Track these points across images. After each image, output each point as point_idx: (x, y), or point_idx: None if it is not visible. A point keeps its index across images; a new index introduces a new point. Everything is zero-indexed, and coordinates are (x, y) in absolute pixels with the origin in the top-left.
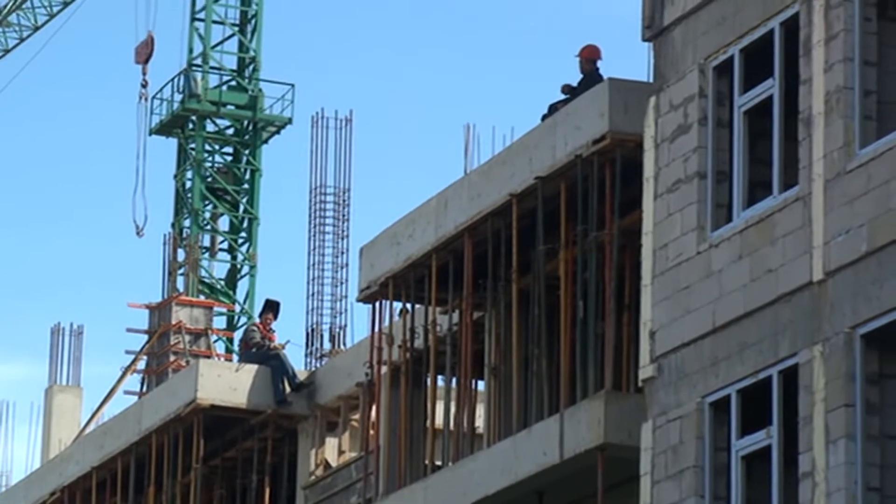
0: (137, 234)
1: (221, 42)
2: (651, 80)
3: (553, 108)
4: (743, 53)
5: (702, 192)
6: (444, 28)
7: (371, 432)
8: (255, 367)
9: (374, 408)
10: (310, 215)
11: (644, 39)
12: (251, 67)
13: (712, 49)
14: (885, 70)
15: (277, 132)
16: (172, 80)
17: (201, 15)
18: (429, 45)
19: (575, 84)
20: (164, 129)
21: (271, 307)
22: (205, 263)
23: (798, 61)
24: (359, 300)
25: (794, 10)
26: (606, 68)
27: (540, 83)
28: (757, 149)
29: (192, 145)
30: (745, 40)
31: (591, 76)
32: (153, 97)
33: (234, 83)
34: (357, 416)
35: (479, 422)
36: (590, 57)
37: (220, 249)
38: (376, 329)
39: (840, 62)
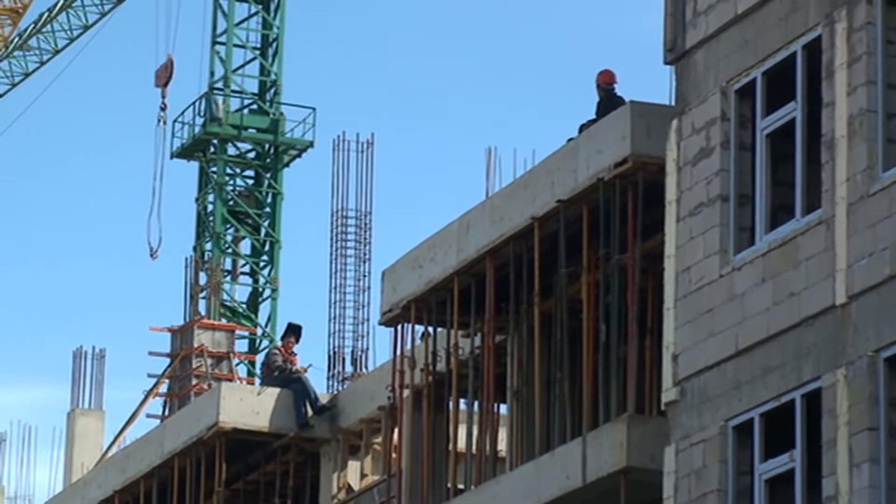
0: (151, 255)
1: (243, 66)
2: (673, 104)
3: (583, 129)
4: (765, 76)
5: (724, 215)
6: (466, 51)
7: (393, 456)
8: (277, 390)
9: (396, 431)
10: (331, 239)
11: (666, 62)
12: (272, 91)
13: (734, 72)
14: None
15: (299, 155)
16: (194, 103)
17: (222, 38)
18: (450, 68)
19: (591, 118)
20: (185, 153)
21: (293, 330)
22: (227, 287)
23: (820, 84)
24: (381, 323)
25: (816, 34)
26: (628, 91)
27: (561, 106)
28: (779, 172)
29: (214, 169)
30: (768, 63)
31: (608, 100)
32: (175, 121)
33: (255, 107)
34: (379, 440)
35: (502, 445)
36: (605, 83)
37: (242, 273)
38: (398, 352)
39: (863, 85)
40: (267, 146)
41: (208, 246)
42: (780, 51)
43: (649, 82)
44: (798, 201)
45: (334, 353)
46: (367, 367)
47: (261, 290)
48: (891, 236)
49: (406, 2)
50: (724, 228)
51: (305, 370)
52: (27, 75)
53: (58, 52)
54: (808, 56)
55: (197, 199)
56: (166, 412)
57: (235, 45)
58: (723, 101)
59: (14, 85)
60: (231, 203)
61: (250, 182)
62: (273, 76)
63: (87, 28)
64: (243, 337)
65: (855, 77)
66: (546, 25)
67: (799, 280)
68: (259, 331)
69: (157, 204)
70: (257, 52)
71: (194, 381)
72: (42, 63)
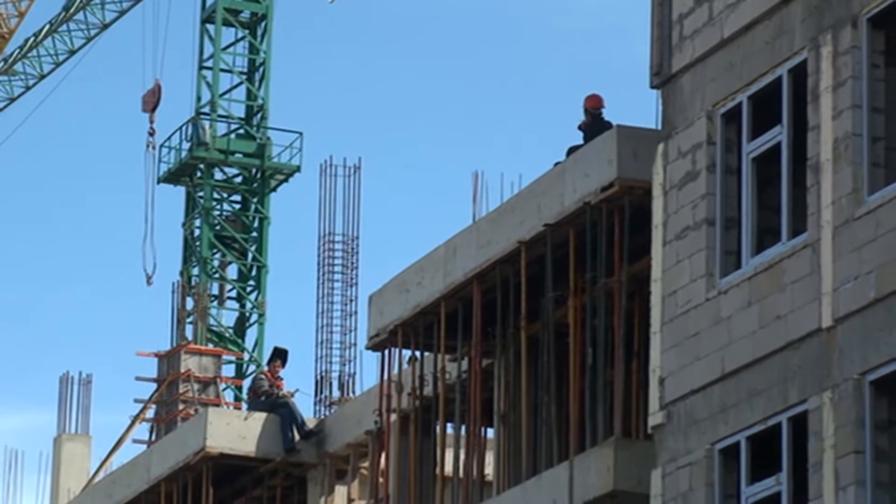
0: (147, 282)
1: (229, 90)
2: (659, 127)
3: (571, 152)
4: (751, 100)
5: (710, 238)
6: (453, 75)
7: (380, 480)
8: (263, 415)
9: (383, 456)
10: (318, 263)
11: (652, 86)
12: (259, 115)
13: (720, 96)
14: (893, 117)
15: (286, 180)
16: (180, 128)
17: (209, 63)
18: (437, 93)
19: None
20: (172, 178)
21: (279, 355)
22: (213, 312)
23: (806, 108)
24: (368, 348)
25: (802, 58)
26: (615, 116)
27: (548, 131)
28: (765, 196)
29: (201, 193)
30: (753, 87)
31: (595, 124)
32: (161, 145)
33: (242, 131)
34: (366, 464)
35: (489, 469)
36: (592, 107)
37: (229, 298)
38: (385, 377)
39: (848, 109)
40: (254, 171)
41: (195, 271)
42: (766, 75)
43: (636, 106)
44: (784, 225)
45: (321, 377)
46: (354, 392)
47: (248, 314)
48: (876, 260)
49: (393, 27)
50: (711, 252)
51: (292, 395)
52: (12, 100)
53: (43, 77)
54: (793, 80)
55: (184, 224)
56: (153, 437)
57: (222, 70)
58: (709, 124)
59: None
60: (218, 228)
61: (237, 207)
62: (260, 101)
63: (73, 53)
64: (230, 362)
65: (840, 101)
66: (533, 50)
67: (785, 303)
68: (246, 355)
69: (149, 230)
70: (244, 77)
71: (181, 407)
72: (28, 88)
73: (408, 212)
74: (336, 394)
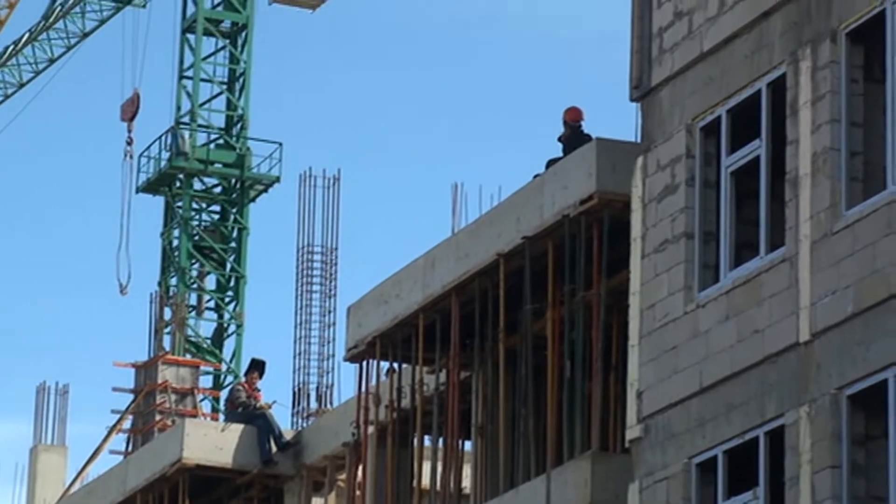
0: (121, 292)
1: (209, 100)
2: (639, 141)
3: (550, 165)
4: (730, 114)
5: (689, 252)
6: (432, 88)
7: (357, 492)
8: (241, 426)
9: (360, 468)
10: (297, 274)
11: (632, 100)
12: (239, 125)
13: (699, 110)
14: (872, 131)
15: (265, 191)
16: (160, 137)
17: (189, 73)
18: (416, 105)
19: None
20: (151, 187)
21: (257, 366)
22: (191, 322)
23: (785, 122)
24: (346, 359)
25: (780, 72)
26: (594, 128)
27: (527, 143)
28: (744, 209)
29: (180, 203)
30: (732, 101)
31: (574, 137)
32: (140, 155)
33: (221, 141)
34: (343, 477)
35: (466, 482)
36: (572, 120)
37: (207, 308)
38: (363, 388)
39: (827, 123)
40: (233, 181)
41: (173, 281)
42: (745, 88)
43: (615, 119)
44: (762, 239)
45: (299, 388)
46: (331, 404)
47: (226, 325)
48: (854, 274)
49: (373, 38)
50: (689, 265)
51: (269, 406)
52: None
53: (23, 85)
54: (772, 94)
55: (162, 234)
56: (130, 448)
57: (202, 80)
58: (688, 138)
59: None
60: (196, 238)
61: (216, 217)
62: (240, 111)
63: (52, 62)
64: (208, 373)
65: (819, 115)
66: (513, 62)
67: (763, 317)
68: (223, 366)
69: (125, 240)
70: (224, 87)
71: (158, 417)
72: (7, 96)
73: (387, 223)
74: (314, 405)
